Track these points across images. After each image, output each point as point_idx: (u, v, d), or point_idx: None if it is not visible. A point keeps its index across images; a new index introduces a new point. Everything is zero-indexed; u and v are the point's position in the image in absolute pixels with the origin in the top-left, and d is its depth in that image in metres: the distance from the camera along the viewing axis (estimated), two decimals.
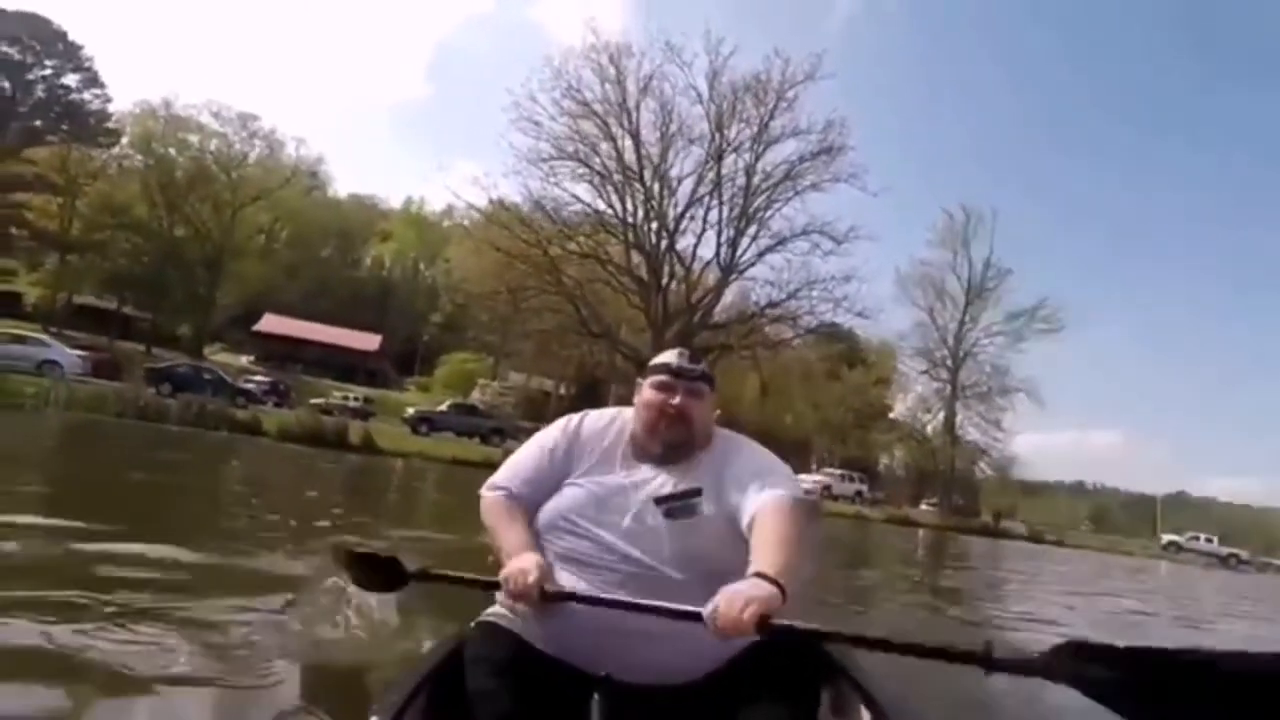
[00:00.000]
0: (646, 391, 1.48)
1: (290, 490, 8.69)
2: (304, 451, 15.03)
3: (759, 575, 1.18)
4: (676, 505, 1.39)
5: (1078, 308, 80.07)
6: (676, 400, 1.44)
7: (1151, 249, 79.95)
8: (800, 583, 1.24)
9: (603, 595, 1.27)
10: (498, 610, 1.40)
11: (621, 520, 1.38)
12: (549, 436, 1.54)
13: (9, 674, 1.93)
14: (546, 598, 1.27)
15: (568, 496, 1.44)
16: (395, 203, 62.54)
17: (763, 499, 1.35)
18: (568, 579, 1.34)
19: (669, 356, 1.52)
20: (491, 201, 28.40)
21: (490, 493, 1.50)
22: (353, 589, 2.02)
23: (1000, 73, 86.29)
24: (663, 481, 1.42)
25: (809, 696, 1.29)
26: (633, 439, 1.49)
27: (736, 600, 1.12)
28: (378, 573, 1.61)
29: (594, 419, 1.56)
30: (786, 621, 1.13)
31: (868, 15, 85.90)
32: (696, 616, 1.16)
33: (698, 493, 1.40)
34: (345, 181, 68.69)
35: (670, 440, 1.44)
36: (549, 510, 1.44)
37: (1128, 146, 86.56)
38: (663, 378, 1.48)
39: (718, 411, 1.54)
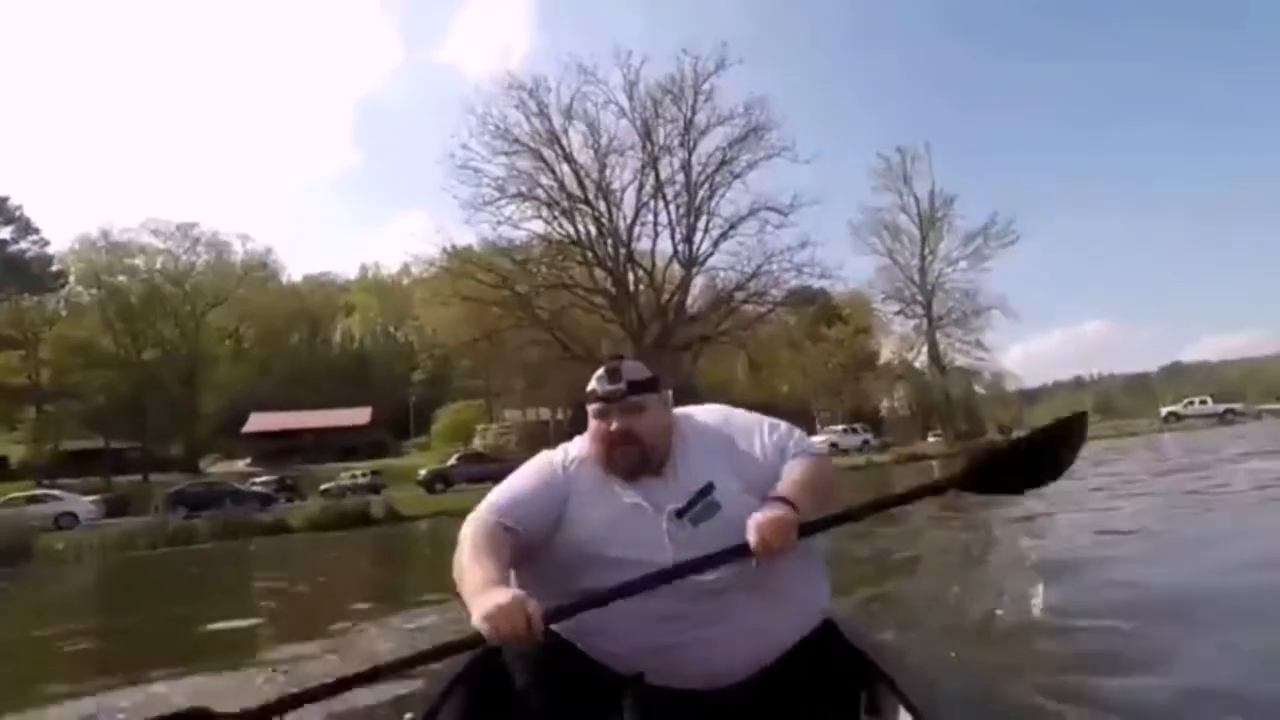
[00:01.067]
0: (591, 423, 1.43)
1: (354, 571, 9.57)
2: (341, 536, 15.84)
3: (774, 499, 1.29)
4: (697, 510, 1.35)
5: (1037, 209, 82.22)
6: (614, 426, 1.38)
7: (1108, 126, 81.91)
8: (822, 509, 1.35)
9: (617, 587, 1.23)
10: None
11: (661, 542, 1.32)
12: (542, 466, 1.47)
13: None
14: (552, 620, 1.18)
15: (585, 530, 1.37)
16: (351, 273, 63.19)
17: (793, 456, 1.42)
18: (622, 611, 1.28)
19: (595, 381, 1.43)
20: (446, 250, 29.42)
21: (484, 516, 1.35)
22: None
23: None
24: (670, 492, 1.37)
25: (846, 700, 1.30)
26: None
27: (767, 525, 1.22)
28: None
29: (579, 448, 1.49)
30: (814, 519, 1.29)
31: None
32: (743, 550, 1.23)
33: (710, 488, 1.37)
34: (297, 265, 69.38)
35: (627, 464, 1.39)
36: (569, 548, 1.36)
37: (1067, 34, 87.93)
38: (595, 405, 1.42)
39: (670, 400, 1.50)
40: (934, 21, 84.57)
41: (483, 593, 1.14)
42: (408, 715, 1.14)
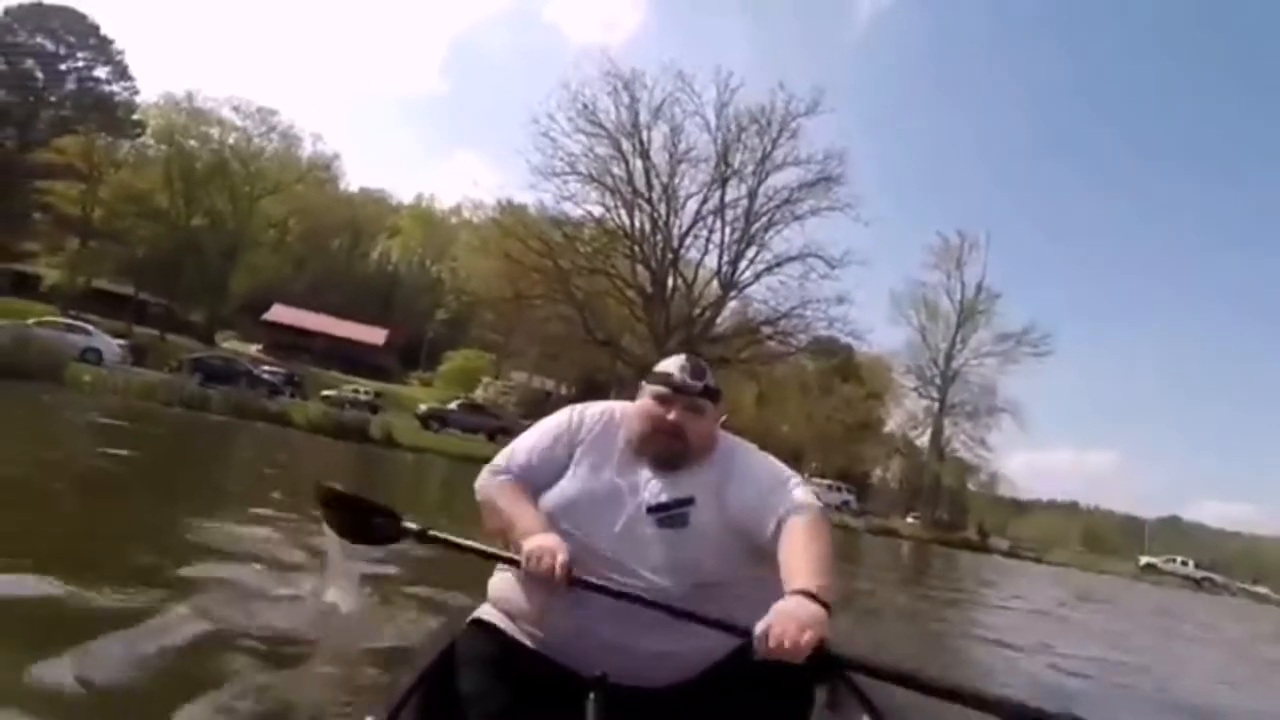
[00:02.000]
0: (645, 401, 1.45)
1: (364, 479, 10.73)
2: (334, 444, 17.05)
3: (804, 594, 1.16)
4: (667, 515, 1.37)
5: (1078, 328, 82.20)
6: (672, 416, 1.41)
7: (1156, 273, 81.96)
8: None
9: (633, 593, 1.27)
10: (489, 610, 1.43)
11: (614, 526, 1.38)
12: (552, 426, 1.54)
13: None
14: (574, 582, 1.26)
15: (561, 496, 1.43)
16: (406, 197, 64.72)
17: (791, 510, 1.34)
18: (565, 594, 1.32)
19: (672, 367, 1.47)
20: (500, 204, 30.62)
21: (494, 476, 1.49)
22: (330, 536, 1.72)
23: (1009, 93, 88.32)
24: (658, 488, 1.40)
25: (804, 695, 1.31)
26: (628, 441, 1.47)
27: (790, 623, 1.10)
28: (365, 522, 1.53)
29: (595, 413, 1.54)
30: (840, 652, 1.12)
31: (881, 34, 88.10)
32: (744, 633, 1.15)
33: (690, 501, 1.39)
34: (357, 174, 71.17)
35: (661, 455, 1.42)
36: (550, 501, 1.44)
37: (1130, 171, 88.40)
38: (663, 390, 1.44)
39: (724, 417, 1.55)
40: (1033, 132, 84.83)
41: (534, 533, 1.33)
42: (369, 716, 1.16)
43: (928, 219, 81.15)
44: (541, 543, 1.30)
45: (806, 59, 78.48)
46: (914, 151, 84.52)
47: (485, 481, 1.51)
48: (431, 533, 1.49)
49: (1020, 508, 65.06)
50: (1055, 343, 38.86)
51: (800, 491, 1.40)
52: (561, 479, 1.47)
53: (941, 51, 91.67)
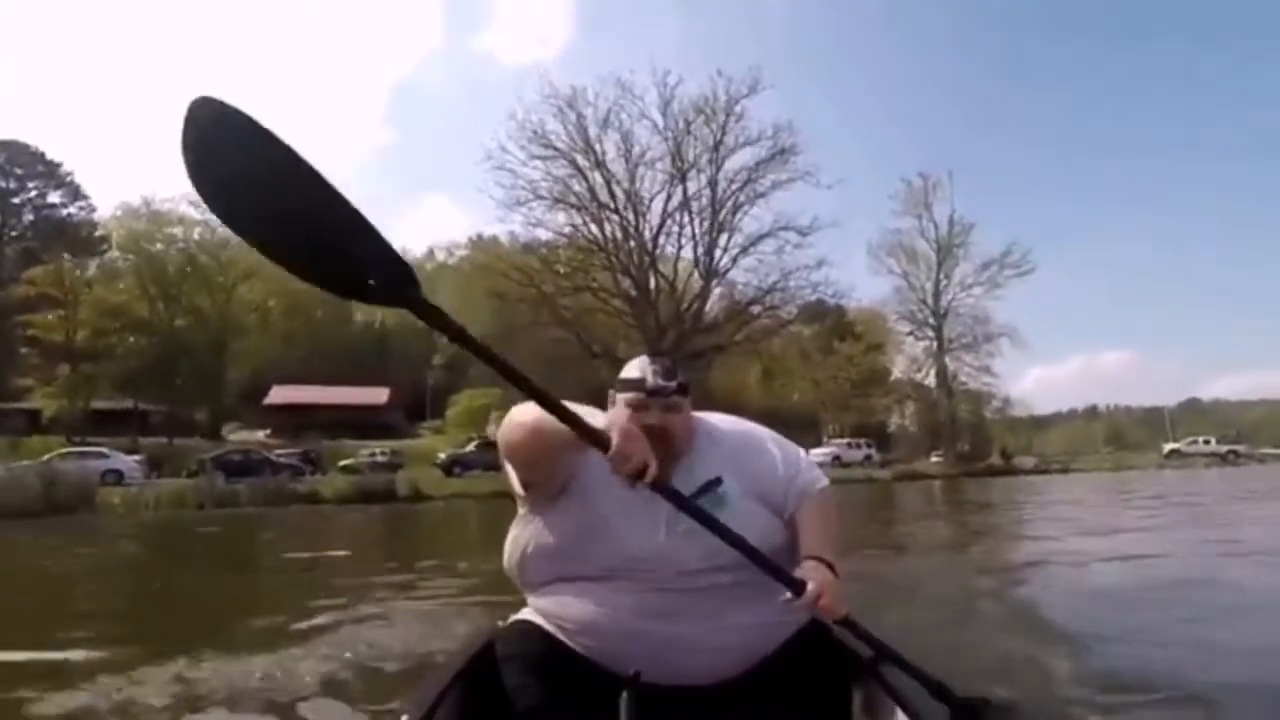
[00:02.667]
0: (621, 410, 1.38)
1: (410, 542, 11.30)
2: (367, 510, 17.63)
3: (826, 563, 1.28)
4: (703, 500, 1.32)
5: (1071, 233, 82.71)
6: (653, 420, 1.36)
7: (1137, 167, 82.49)
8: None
9: (707, 516, 1.24)
10: (529, 611, 1.44)
11: (656, 532, 1.34)
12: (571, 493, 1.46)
13: None
14: (655, 487, 1.17)
15: (591, 496, 1.38)
16: None
17: (808, 485, 1.45)
18: (603, 594, 1.34)
19: (640, 370, 1.41)
20: (472, 240, 31.26)
21: (519, 412, 1.37)
22: None
23: (943, 21, 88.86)
24: (677, 482, 1.31)
25: (841, 697, 1.35)
26: None
27: (831, 586, 1.23)
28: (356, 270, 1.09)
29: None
30: (855, 620, 1.28)
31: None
32: (799, 587, 1.23)
33: (719, 481, 1.39)
34: None
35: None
36: (572, 510, 1.39)
37: (1092, 66, 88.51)
38: (637, 396, 1.39)
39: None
40: (968, 49, 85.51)
41: (610, 427, 1.19)
42: (404, 717, 1.18)
43: (890, 168, 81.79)
44: (629, 438, 1.17)
45: (741, 36, 79.07)
46: (864, 103, 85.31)
47: (510, 417, 1.42)
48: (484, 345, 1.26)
49: (1042, 423, 65.80)
50: (1038, 257, 39.54)
51: (812, 469, 1.50)
52: (581, 479, 1.39)
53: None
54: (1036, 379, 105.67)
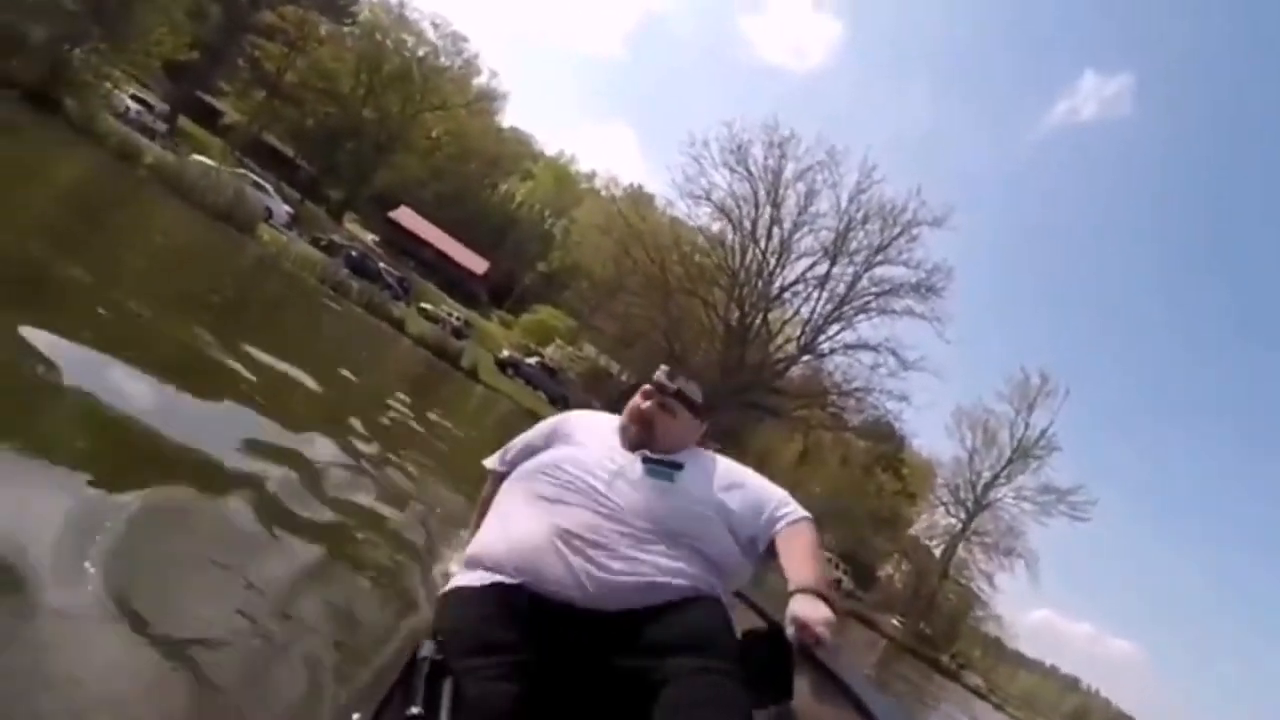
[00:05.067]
0: (634, 396, 1.79)
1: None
2: (431, 361, 20.92)
3: (819, 595, 1.42)
4: (656, 466, 1.61)
5: (1140, 505, 79.75)
6: (645, 406, 1.74)
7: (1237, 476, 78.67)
8: None
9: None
10: (463, 574, 1.51)
11: (608, 464, 1.60)
12: (545, 424, 1.89)
13: None
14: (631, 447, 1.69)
15: (556, 451, 1.70)
16: (548, 148, 69.45)
17: (794, 519, 1.61)
18: (541, 513, 1.49)
19: (660, 371, 1.84)
20: (630, 190, 34.18)
21: (495, 470, 1.90)
22: None
23: (1143, 259, 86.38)
24: (651, 453, 1.65)
25: (785, 680, 1.42)
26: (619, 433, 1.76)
27: (823, 619, 1.35)
28: None
29: (587, 414, 1.91)
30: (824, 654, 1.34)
31: (1055, 151, 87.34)
32: (789, 622, 1.38)
33: (680, 466, 1.63)
34: (512, 111, 76.10)
35: (634, 440, 1.70)
36: (534, 461, 1.69)
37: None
38: (646, 387, 1.79)
39: (704, 428, 1.82)
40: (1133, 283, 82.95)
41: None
42: (355, 715, 1.18)
43: (1011, 353, 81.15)
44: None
45: (973, 141, 78.89)
46: (1025, 283, 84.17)
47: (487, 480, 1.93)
48: None
49: (1021, 661, 64.92)
50: (1102, 510, 39.68)
51: (794, 503, 1.67)
52: (561, 438, 1.81)
53: (1097, 192, 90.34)
54: (1045, 620, 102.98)
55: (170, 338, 4.26)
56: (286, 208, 27.33)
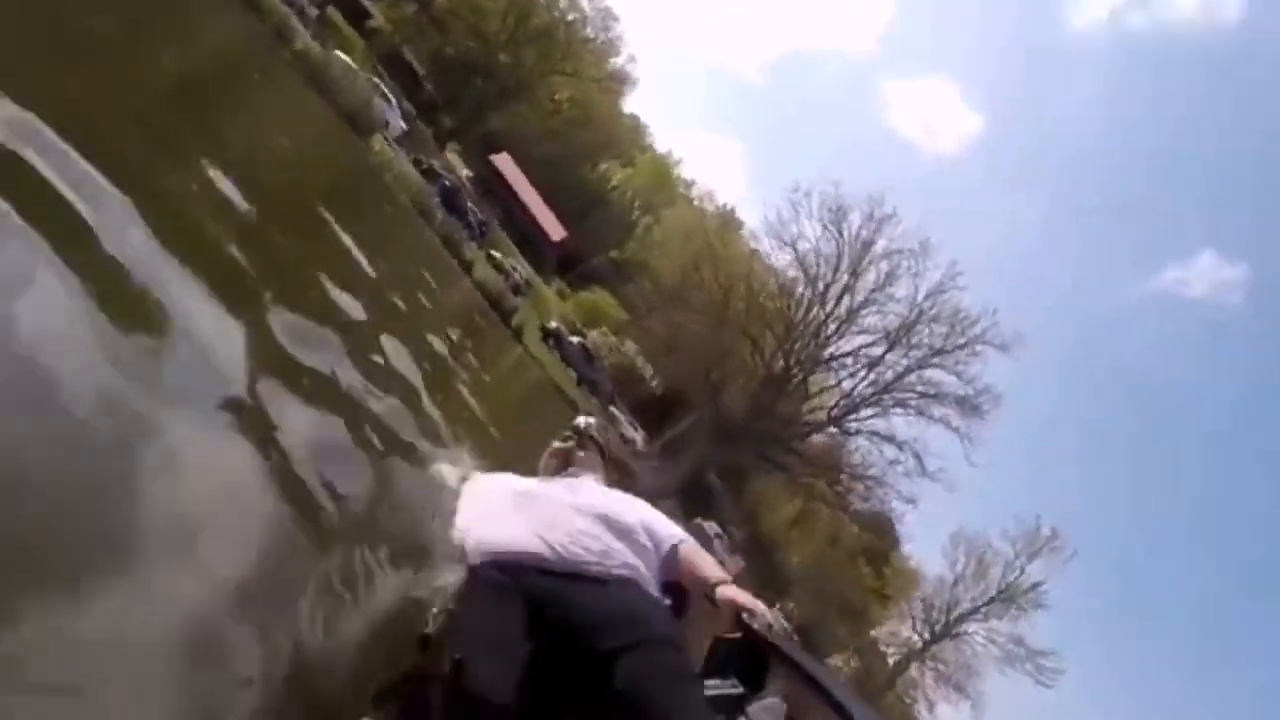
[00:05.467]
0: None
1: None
2: (485, 309, 21.68)
3: (728, 585, 1.85)
4: (565, 475, 2.34)
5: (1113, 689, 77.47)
6: (560, 444, 2.41)
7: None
8: None
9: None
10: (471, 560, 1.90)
11: (539, 482, 2.29)
12: (496, 479, 2.45)
13: None
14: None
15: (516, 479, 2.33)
16: (659, 144, 70.44)
17: (683, 540, 2.01)
18: (525, 511, 1.97)
19: (580, 416, 2.54)
20: (722, 210, 34.59)
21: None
22: None
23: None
24: (559, 482, 2.27)
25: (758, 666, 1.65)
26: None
27: (755, 600, 1.77)
28: None
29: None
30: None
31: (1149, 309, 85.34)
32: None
33: (575, 474, 2.34)
34: (635, 97, 77.20)
35: (551, 470, 2.39)
36: (496, 486, 2.30)
37: None
38: (567, 430, 2.45)
39: (606, 464, 2.43)
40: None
41: None
42: None
43: (1029, 494, 79.54)
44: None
45: (1072, 276, 77.64)
46: (1068, 434, 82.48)
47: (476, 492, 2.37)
48: None
49: None
50: (1069, 686, 38.74)
51: (682, 529, 2.08)
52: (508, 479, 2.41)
53: (1178, 370, 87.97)
54: None
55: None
56: (403, 124, 28.26)
